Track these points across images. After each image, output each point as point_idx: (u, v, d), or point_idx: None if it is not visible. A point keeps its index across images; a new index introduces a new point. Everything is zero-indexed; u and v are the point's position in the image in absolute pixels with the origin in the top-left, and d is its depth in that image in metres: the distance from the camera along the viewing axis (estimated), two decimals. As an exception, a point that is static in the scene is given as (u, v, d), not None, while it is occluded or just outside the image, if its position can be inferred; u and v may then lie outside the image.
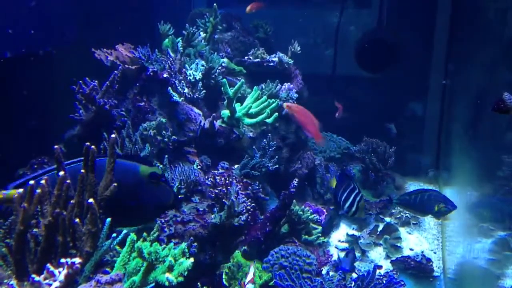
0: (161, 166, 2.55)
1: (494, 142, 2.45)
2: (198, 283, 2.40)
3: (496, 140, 2.43)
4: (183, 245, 1.61)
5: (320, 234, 3.04)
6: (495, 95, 1.51)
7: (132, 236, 1.56)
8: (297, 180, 2.89)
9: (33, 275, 1.10)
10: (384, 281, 2.42)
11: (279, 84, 3.50)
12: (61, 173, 1.44)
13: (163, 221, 2.44)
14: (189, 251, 2.29)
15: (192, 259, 1.58)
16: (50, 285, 1.06)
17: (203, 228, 2.52)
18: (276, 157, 3.13)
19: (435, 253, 3.22)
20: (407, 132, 4.25)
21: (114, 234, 1.77)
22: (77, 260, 1.07)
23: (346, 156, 4.11)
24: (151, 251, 1.50)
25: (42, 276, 1.11)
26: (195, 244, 2.36)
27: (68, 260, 1.07)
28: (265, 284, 2.50)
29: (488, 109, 1.56)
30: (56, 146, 1.58)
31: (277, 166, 3.11)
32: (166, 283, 1.48)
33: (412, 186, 4.09)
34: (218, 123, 3.15)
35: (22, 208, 1.31)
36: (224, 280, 2.46)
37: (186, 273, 1.56)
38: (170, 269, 1.53)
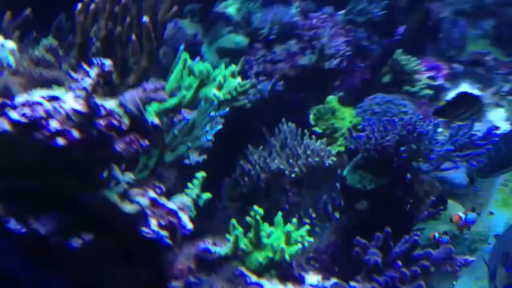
0: (251, 3, 2.55)
1: None
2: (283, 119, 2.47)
3: None
4: (233, 66, 1.66)
5: (424, 86, 2.84)
6: None
7: (185, 54, 1.65)
8: (404, 27, 2.67)
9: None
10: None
11: None
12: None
13: (252, 58, 2.51)
14: (274, 88, 2.38)
15: (239, 79, 1.64)
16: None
17: (292, 69, 2.55)
18: (386, 1, 2.88)
19: None
20: None
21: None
22: (108, 62, 1.16)
23: (479, 10, 3.57)
24: (201, 69, 1.59)
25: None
26: (281, 82, 2.42)
27: (98, 59, 1.16)
28: (353, 128, 2.50)
29: None
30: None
31: (385, 11, 2.87)
32: (213, 98, 1.59)
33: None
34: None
35: (78, 22, 1.48)
36: (311, 119, 2.51)
37: (234, 92, 1.63)
38: (220, 87, 1.62)
